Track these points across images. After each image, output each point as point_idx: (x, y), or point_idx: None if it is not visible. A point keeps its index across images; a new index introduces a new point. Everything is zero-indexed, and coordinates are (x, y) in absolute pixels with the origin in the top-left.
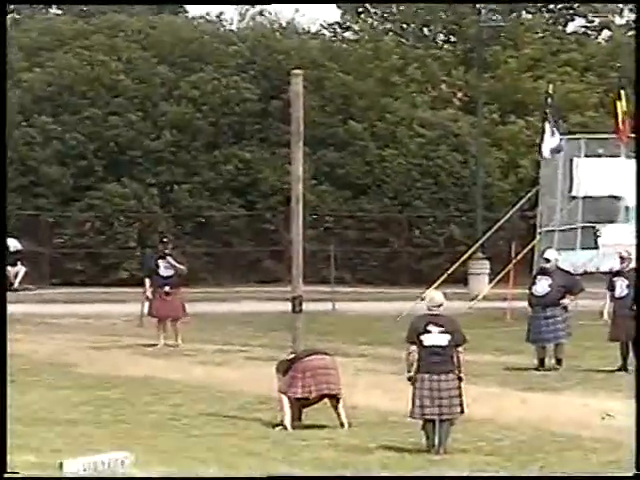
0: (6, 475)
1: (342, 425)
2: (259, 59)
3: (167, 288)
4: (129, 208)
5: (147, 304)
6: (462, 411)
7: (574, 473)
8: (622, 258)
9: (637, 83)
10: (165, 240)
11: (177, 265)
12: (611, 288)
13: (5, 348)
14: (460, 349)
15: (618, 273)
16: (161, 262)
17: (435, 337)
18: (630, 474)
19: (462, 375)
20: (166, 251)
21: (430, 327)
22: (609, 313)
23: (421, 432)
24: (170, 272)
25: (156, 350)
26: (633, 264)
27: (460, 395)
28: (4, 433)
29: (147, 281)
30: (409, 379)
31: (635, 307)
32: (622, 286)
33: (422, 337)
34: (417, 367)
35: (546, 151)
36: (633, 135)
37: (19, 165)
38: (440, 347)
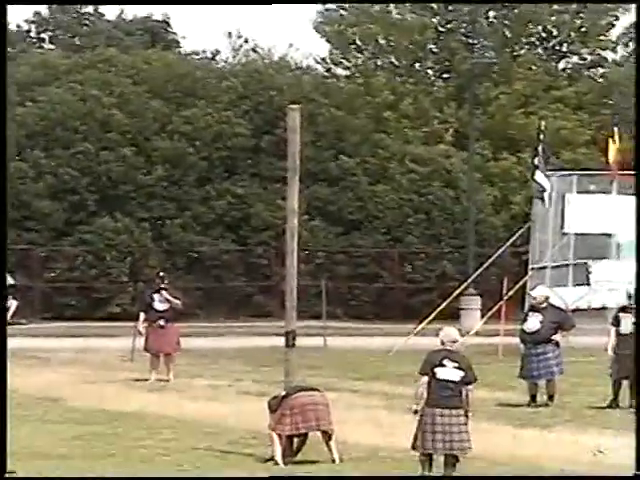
0: (6, 475)
1: (333, 461)
2: (252, 94)
3: (162, 322)
4: (121, 242)
5: (140, 339)
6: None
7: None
8: (629, 295)
9: (637, 89)
10: (162, 274)
11: (172, 299)
12: (616, 324)
13: (5, 343)
14: (470, 387)
15: (624, 309)
16: (156, 296)
17: (449, 372)
18: (630, 474)
19: (469, 412)
20: (162, 285)
21: (445, 362)
22: (613, 349)
23: (415, 467)
24: (165, 306)
25: (147, 385)
26: None
27: (467, 431)
28: (4, 434)
29: (141, 315)
30: (415, 412)
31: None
32: (627, 323)
33: (436, 370)
34: (426, 400)
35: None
36: (625, 172)
37: (11, 199)
38: (452, 382)
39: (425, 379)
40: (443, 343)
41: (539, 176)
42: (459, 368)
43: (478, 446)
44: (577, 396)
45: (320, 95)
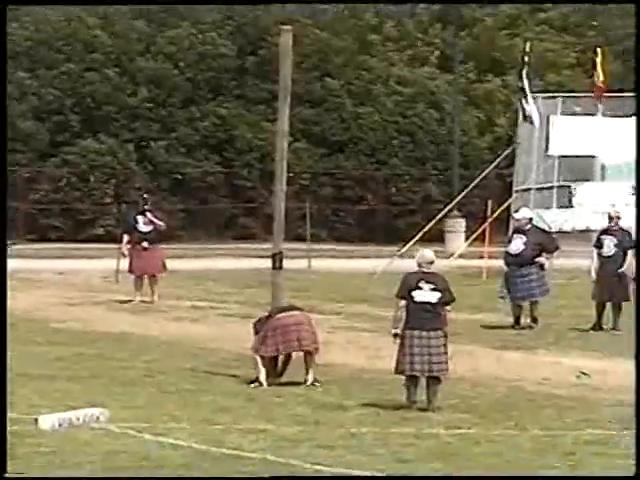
0: (6, 475)
1: (305, 382)
2: (236, 15)
3: (145, 244)
4: (105, 164)
5: (124, 260)
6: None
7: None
8: (610, 217)
9: (637, 71)
10: (145, 196)
11: (156, 221)
12: (599, 246)
13: (5, 357)
14: (448, 307)
15: (606, 231)
16: (140, 218)
17: (426, 294)
18: (630, 474)
19: (447, 333)
20: (146, 207)
21: (422, 284)
22: (596, 271)
23: (399, 389)
24: (149, 228)
25: (132, 306)
26: (622, 223)
27: (446, 352)
28: (4, 434)
29: (125, 237)
30: (395, 335)
31: (622, 266)
32: (610, 245)
33: (413, 293)
34: (405, 323)
35: (536, 120)
36: (608, 94)
37: None
38: (430, 304)
39: (403, 302)
40: (420, 265)
41: (529, 100)
42: (436, 289)
43: (461, 368)
44: (560, 318)
45: (304, 16)
